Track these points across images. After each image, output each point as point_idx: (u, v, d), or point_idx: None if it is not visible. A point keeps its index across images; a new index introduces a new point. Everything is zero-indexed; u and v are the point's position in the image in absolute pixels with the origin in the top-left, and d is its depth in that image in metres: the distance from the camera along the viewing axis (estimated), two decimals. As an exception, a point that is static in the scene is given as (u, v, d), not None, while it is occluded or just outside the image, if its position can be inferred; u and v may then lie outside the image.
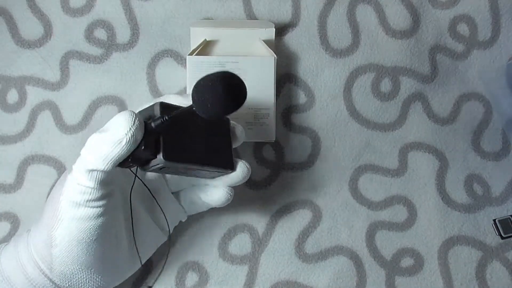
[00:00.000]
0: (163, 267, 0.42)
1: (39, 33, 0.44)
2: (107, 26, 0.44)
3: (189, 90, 0.41)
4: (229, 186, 0.36)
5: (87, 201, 0.30)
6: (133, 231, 0.35)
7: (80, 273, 0.33)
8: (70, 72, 0.44)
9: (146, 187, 0.35)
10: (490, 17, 0.47)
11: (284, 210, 0.44)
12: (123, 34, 0.44)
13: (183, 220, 0.41)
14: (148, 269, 0.42)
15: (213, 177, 0.36)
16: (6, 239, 0.42)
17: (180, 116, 0.30)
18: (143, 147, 0.29)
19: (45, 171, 0.43)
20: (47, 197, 0.42)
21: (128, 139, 0.28)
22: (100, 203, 0.30)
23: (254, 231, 0.43)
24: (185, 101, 0.34)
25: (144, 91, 0.44)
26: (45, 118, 0.43)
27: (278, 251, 0.43)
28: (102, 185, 0.30)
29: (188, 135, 0.32)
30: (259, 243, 0.43)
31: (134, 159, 0.30)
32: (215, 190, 0.36)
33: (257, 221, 0.44)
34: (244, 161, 0.35)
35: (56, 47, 0.44)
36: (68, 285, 0.33)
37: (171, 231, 0.40)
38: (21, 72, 0.44)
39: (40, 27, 0.44)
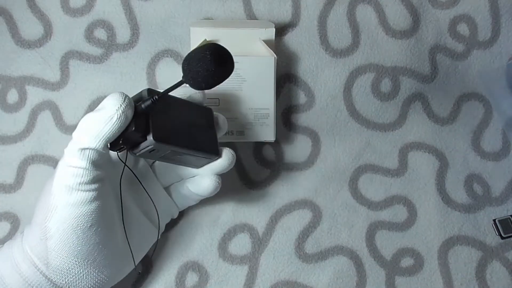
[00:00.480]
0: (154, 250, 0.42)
1: (39, 33, 0.44)
2: (107, 26, 0.44)
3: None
4: (216, 174, 0.37)
5: (79, 184, 0.30)
6: (123, 222, 0.35)
7: (77, 267, 0.32)
8: (70, 72, 0.44)
9: (135, 175, 0.35)
10: (490, 17, 0.47)
11: (284, 210, 0.44)
12: (123, 34, 0.44)
13: (175, 217, 0.41)
14: (148, 269, 0.42)
15: (200, 165, 0.36)
16: (6, 239, 0.42)
17: (169, 100, 0.31)
18: (133, 128, 0.30)
19: (45, 171, 0.43)
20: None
21: (119, 115, 0.29)
22: (93, 186, 0.30)
23: (254, 231, 0.43)
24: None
25: (144, 91, 0.44)
26: (45, 118, 0.43)
27: (278, 251, 0.43)
28: (94, 166, 0.30)
29: (176, 120, 0.33)
30: (259, 243, 0.43)
31: (124, 140, 0.30)
32: (203, 179, 0.37)
33: (257, 221, 0.44)
34: (229, 149, 0.36)
35: (56, 47, 0.44)
36: (65, 281, 0.33)
37: (162, 229, 0.40)
38: (21, 72, 0.44)
39: (40, 27, 0.44)
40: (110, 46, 0.44)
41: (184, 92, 0.36)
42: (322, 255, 0.43)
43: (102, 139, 0.29)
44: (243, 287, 0.43)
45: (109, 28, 0.44)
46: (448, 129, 0.46)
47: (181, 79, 0.31)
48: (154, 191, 0.38)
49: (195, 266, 0.43)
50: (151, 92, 0.32)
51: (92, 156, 0.30)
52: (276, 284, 0.43)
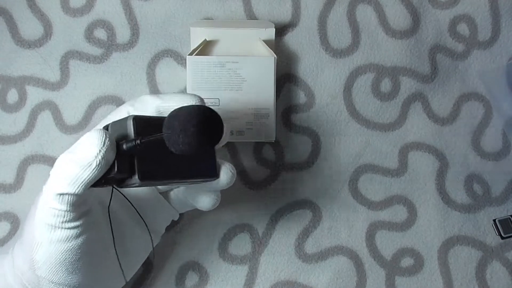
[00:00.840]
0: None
1: (39, 33, 0.44)
2: (107, 26, 0.44)
3: (189, 90, 0.41)
4: (215, 191, 0.35)
5: (62, 222, 0.28)
6: (115, 248, 0.33)
7: None
8: (70, 72, 0.44)
9: (126, 198, 0.33)
10: (490, 17, 0.47)
11: (284, 210, 0.44)
12: (123, 34, 0.44)
13: (175, 219, 0.40)
14: (149, 269, 0.42)
15: (198, 184, 0.34)
16: (6, 239, 0.42)
17: (158, 123, 0.27)
18: (115, 170, 0.27)
19: (45, 171, 0.43)
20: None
21: (98, 161, 0.26)
22: (77, 223, 0.28)
23: (254, 231, 0.43)
24: (163, 104, 0.32)
25: (144, 91, 0.44)
26: (45, 118, 0.43)
27: (278, 251, 0.43)
28: (75, 207, 0.28)
29: (165, 150, 0.28)
30: (259, 243, 0.43)
31: (107, 180, 0.28)
32: (201, 196, 0.35)
33: (257, 221, 0.44)
34: (228, 165, 0.34)
35: (56, 47, 0.44)
36: None
37: (162, 231, 0.39)
38: (21, 72, 0.44)
39: (40, 27, 0.44)
40: (110, 46, 0.44)
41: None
42: (322, 255, 0.43)
43: (81, 185, 0.27)
44: (243, 287, 0.43)
45: (109, 28, 0.44)
46: (448, 129, 0.46)
47: (163, 132, 0.26)
48: (150, 197, 0.37)
49: (195, 266, 0.43)
50: (137, 122, 0.28)
51: (72, 200, 0.27)
52: (276, 284, 0.43)
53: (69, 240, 0.29)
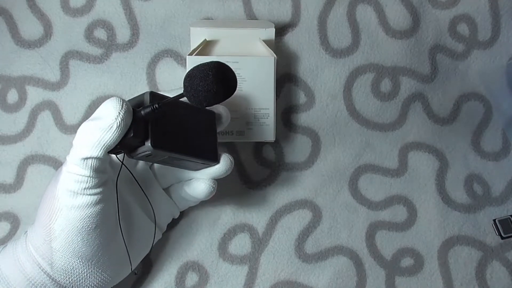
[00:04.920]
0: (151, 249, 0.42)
1: (39, 33, 0.44)
2: (107, 26, 0.44)
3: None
4: (213, 179, 0.37)
5: (84, 189, 0.30)
6: (120, 224, 0.35)
7: (81, 267, 0.33)
8: (70, 72, 0.44)
9: (132, 174, 0.35)
10: (490, 17, 0.47)
11: (284, 210, 0.44)
12: (123, 34, 0.44)
13: (176, 217, 0.41)
14: (148, 269, 0.42)
15: (198, 169, 0.36)
16: (6, 239, 0.42)
17: (169, 105, 0.31)
18: (132, 134, 0.30)
19: (45, 171, 0.43)
20: (47, 197, 0.43)
21: (118, 123, 0.28)
22: (97, 190, 0.30)
23: (254, 231, 0.43)
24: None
25: (144, 91, 0.44)
26: (45, 118, 0.43)
27: (278, 251, 0.43)
28: (97, 173, 0.30)
29: (175, 125, 0.33)
30: (259, 243, 0.43)
31: (122, 145, 0.30)
32: (198, 183, 0.37)
33: (257, 221, 0.44)
34: (227, 154, 0.36)
35: (56, 47, 0.44)
36: (69, 281, 0.33)
37: (164, 228, 0.40)
38: (21, 72, 0.44)
39: (40, 27, 0.44)
40: (110, 46, 0.44)
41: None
42: (322, 255, 0.43)
43: (102, 148, 0.29)
44: (243, 287, 0.43)
45: (109, 28, 0.44)
46: (448, 129, 0.46)
47: (182, 92, 0.30)
48: (153, 192, 0.38)
49: (195, 266, 0.43)
50: (153, 96, 0.31)
51: (95, 164, 0.30)
52: (276, 284, 0.43)
53: (88, 206, 0.30)
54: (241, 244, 0.43)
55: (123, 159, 0.33)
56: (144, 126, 0.31)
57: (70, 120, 0.43)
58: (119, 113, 0.28)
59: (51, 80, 0.44)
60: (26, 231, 0.35)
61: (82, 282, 0.33)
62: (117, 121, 0.28)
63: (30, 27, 0.44)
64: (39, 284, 0.32)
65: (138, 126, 0.30)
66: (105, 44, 0.44)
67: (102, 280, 0.34)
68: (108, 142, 0.29)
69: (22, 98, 0.44)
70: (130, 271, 0.38)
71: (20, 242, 0.34)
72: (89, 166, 0.29)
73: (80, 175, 0.30)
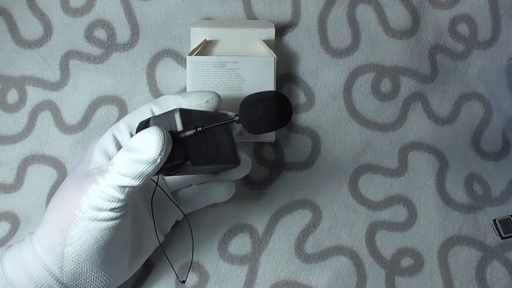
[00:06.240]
0: (191, 262, 0.42)
1: (39, 33, 0.44)
2: (107, 26, 0.44)
3: (189, 90, 0.41)
4: (232, 180, 0.38)
5: (112, 208, 0.30)
6: (157, 235, 0.37)
7: (90, 272, 0.33)
8: (70, 72, 0.44)
9: (167, 195, 0.37)
10: (490, 17, 0.47)
11: (284, 210, 0.44)
12: (123, 34, 0.44)
13: (179, 220, 0.41)
14: (148, 270, 0.42)
15: (219, 172, 0.37)
16: (6, 239, 0.42)
17: (196, 113, 0.31)
18: (170, 160, 0.30)
19: (45, 171, 0.43)
20: (47, 197, 0.42)
21: (161, 158, 0.29)
22: (124, 209, 0.31)
23: (254, 231, 0.43)
24: (185, 102, 0.34)
25: (144, 91, 0.44)
26: (45, 118, 0.43)
27: (278, 251, 0.43)
28: (129, 196, 0.31)
29: (206, 138, 0.33)
30: (259, 243, 0.43)
31: (161, 169, 0.30)
32: (219, 185, 0.38)
33: (257, 221, 0.44)
34: (246, 156, 0.38)
35: (56, 47, 0.44)
36: (75, 284, 0.33)
37: (168, 231, 0.41)
38: (21, 72, 0.44)
39: (40, 27, 0.44)
40: (110, 46, 0.44)
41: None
42: (322, 255, 0.43)
43: (143, 179, 0.29)
44: (243, 287, 0.43)
45: (109, 28, 0.44)
46: (448, 129, 0.46)
47: (234, 117, 0.31)
48: (161, 195, 0.38)
49: (195, 266, 0.43)
50: (184, 113, 0.31)
51: (131, 191, 0.30)
52: (276, 284, 0.43)
53: (112, 220, 0.31)
54: (241, 244, 0.43)
55: (157, 181, 0.33)
56: (182, 148, 0.30)
57: (70, 120, 0.43)
58: (162, 148, 0.28)
59: (51, 80, 0.44)
60: (31, 233, 0.34)
61: (88, 285, 0.34)
62: (160, 156, 0.28)
63: (30, 27, 0.44)
64: (45, 287, 0.32)
65: (177, 148, 0.30)
66: (105, 44, 0.44)
67: (106, 284, 0.35)
68: (150, 174, 0.29)
69: (22, 98, 0.44)
70: (131, 275, 0.39)
71: (26, 244, 0.34)
72: (126, 192, 0.30)
73: (113, 197, 0.30)
